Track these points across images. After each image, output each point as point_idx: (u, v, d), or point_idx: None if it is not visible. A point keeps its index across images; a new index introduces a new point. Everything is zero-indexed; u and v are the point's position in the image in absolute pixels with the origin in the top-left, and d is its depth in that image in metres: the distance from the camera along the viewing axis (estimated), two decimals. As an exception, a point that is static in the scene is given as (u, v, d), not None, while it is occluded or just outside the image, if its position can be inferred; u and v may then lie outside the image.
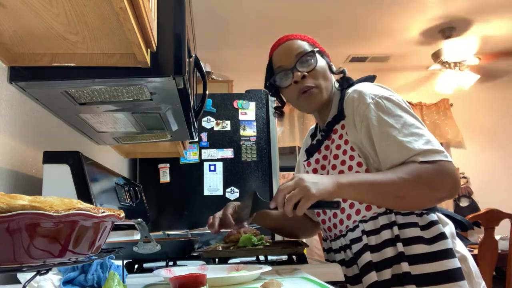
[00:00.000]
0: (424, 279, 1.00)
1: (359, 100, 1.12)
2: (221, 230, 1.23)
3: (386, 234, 1.07)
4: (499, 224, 2.56)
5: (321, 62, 1.23)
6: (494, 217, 2.53)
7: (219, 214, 1.25)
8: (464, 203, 4.95)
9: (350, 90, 1.17)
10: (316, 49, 1.23)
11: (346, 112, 1.16)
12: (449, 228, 1.10)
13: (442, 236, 1.04)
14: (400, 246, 1.03)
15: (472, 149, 5.20)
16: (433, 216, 1.08)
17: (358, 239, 1.11)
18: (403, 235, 1.05)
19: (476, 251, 2.71)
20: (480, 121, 5.24)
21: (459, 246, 1.10)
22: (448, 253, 1.02)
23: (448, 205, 4.92)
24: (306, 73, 1.20)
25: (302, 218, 1.42)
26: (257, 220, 1.37)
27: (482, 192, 4.98)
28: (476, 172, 5.09)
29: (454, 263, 1.01)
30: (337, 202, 1.01)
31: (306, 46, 1.23)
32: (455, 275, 1.00)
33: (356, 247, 1.11)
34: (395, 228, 1.06)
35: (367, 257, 1.05)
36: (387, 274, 1.03)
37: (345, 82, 1.24)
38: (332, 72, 1.25)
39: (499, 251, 2.62)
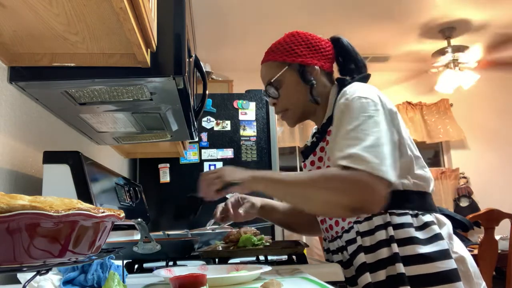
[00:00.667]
0: (419, 280, 0.99)
1: (339, 101, 1.12)
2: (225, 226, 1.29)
3: (380, 235, 1.06)
4: (499, 224, 2.55)
5: (288, 83, 1.22)
6: (494, 217, 2.53)
7: (222, 204, 1.35)
8: (464, 203, 4.95)
9: (342, 91, 1.16)
10: (281, 71, 1.21)
11: None
12: (447, 228, 1.09)
13: (437, 237, 1.03)
14: (394, 247, 1.02)
15: (472, 149, 5.20)
16: (429, 217, 1.07)
17: (353, 240, 1.10)
18: (398, 236, 1.04)
19: (476, 251, 2.71)
20: (480, 121, 5.24)
21: (457, 247, 1.09)
22: (443, 254, 1.01)
23: (448, 205, 4.92)
24: (275, 101, 1.26)
25: (309, 215, 1.42)
26: (263, 214, 1.40)
27: (482, 192, 4.98)
28: (476, 172, 5.09)
29: (450, 264, 1.00)
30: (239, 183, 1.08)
31: (273, 72, 1.23)
32: (451, 276, 0.99)
33: (351, 248, 1.10)
34: (390, 229, 1.05)
35: (361, 258, 1.05)
36: (381, 275, 1.02)
37: (341, 83, 1.22)
38: (307, 83, 1.21)
39: (499, 251, 2.62)
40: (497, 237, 2.66)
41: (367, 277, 1.01)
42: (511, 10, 3.85)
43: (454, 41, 4.29)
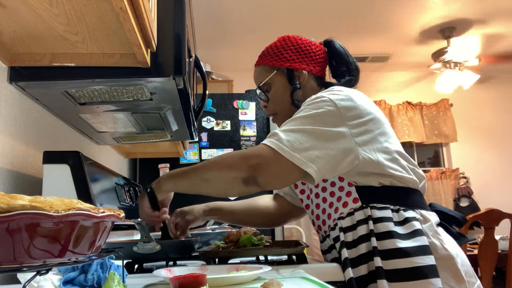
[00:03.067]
0: (395, 274, 0.99)
1: None
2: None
3: (362, 230, 1.06)
4: (499, 224, 2.56)
5: (276, 87, 1.27)
6: (494, 217, 2.53)
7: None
8: (464, 203, 4.96)
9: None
10: (270, 75, 1.26)
11: None
12: (430, 225, 1.08)
13: (417, 233, 1.03)
14: (374, 241, 1.03)
15: (472, 149, 5.20)
16: (411, 213, 1.07)
17: (338, 238, 1.11)
18: (377, 230, 1.04)
19: (476, 251, 2.71)
20: (480, 121, 5.24)
21: (448, 244, 1.07)
22: (422, 250, 1.00)
23: (448, 205, 4.92)
24: (265, 104, 1.31)
25: (265, 211, 1.48)
26: (213, 216, 1.43)
27: (482, 192, 4.98)
28: (476, 172, 5.09)
29: (428, 260, 0.99)
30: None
31: (263, 76, 1.28)
32: (427, 272, 0.98)
33: (337, 246, 1.11)
34: (371, 223, 1.05)
35: (344, 253, 1.05)
36: (363, 270, 1.03)
37: (327, 87, 1.24)
38: (296, 88, 1.24)
39: (499, 251, 2.62)
40: (497, 237, 2.66)
41: (349, 273, 1.01)
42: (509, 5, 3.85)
43: (454, 41, 4.29)
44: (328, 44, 1.31)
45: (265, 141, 1.05)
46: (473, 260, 2.66)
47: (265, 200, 1.52)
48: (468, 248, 3.14)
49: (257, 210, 1.48)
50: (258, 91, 1.31)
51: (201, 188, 1.11)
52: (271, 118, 1.34)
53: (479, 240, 2.74)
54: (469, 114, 5.26)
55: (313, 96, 1.12)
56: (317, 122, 1.06)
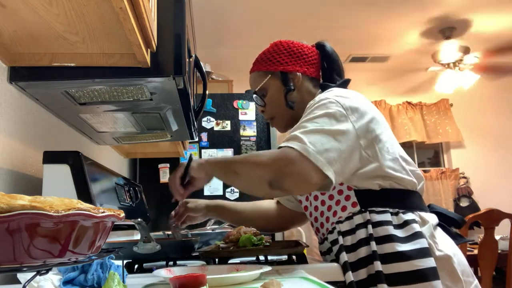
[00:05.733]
0: (396, 278, 0.99)
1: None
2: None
3: (361, 234, 1.06)
4: (499, 224, 2.56)
5: (272, 91, 1.28)
6: (494, 217, 2.53)
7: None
8: (464, 203, 4.96)
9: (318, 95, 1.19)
10: (265, 80, 1.28)
11: None
12: (429, 227, 1.07)
13: (417, 235, 1.03)
14: (373, 245, 1.02)
15: (472, 149, 5.20)
16: (411, 215, 1.07)
17: (336, 241, 1.11)
18: (376, 234, 1.04)
19: (476, 251, 2.71)
20: (480, 121, 5.24)
21: (443, 245, 1.06)
22: (422, 253, 1.00)
23: (448, 205, 4.92)
24: (263, 109, 1.33)
25: (269, 215, 1.48)
26: (214, 214, 1.45)
27: (482, 192, 4.98)
28: (476, 172, 5.09)
29: (428, 262, 0.99)
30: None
31: (258, 81, 1.30)
32: (428, 274, 0.98)
33: (335, 249, 1.11)
34: (370, 227, 1.05)
35: (344, 257, 1.05)
36: (362, 274, 1.02)
37: (323, 89, 1.25)
38: (290, 90, 1.25)
39: (499, 251, 2.62)
40: (497, 237, 2.66)
41: (349, 276, 1.01)
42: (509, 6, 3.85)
43: (454, 41, 4.29)
44: (321, 46, 1.33)
45: (288, 144, 1.01)
46: (473, 260, 2.66)
47: (268, 204, 1.51)
48: (468, 248, 3.14)
49: (260, 214, 1.48)
50: (254, 97, 1.32)
51: (232, 180, 1.11)
52: (269, 122, 1.36)
53: (479, 240, 2.73)
54: (469, 114, 5.26)
55: (317, 99, 1.12)
56: (332, 123, 1.04)
